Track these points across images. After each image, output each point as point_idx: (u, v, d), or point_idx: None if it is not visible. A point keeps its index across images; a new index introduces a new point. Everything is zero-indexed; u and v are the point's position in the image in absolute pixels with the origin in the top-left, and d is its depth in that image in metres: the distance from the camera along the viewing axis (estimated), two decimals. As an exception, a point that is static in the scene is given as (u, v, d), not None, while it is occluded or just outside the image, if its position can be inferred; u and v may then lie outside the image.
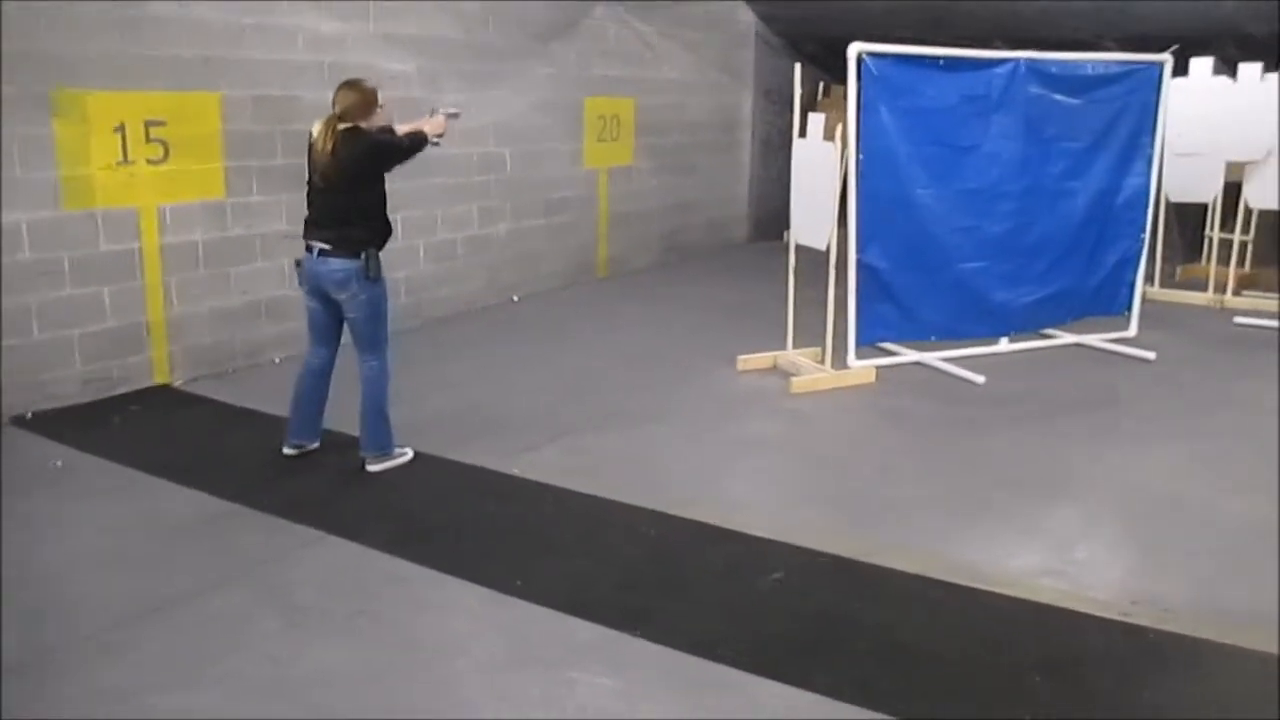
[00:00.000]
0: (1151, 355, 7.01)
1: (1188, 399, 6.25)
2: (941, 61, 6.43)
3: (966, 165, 6.55)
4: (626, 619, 3.58)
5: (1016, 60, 6.61)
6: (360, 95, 4.60)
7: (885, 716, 3.06)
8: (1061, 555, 4.18)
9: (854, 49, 6.13)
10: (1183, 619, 3.64)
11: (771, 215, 11.38)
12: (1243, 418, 5.89)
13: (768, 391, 6.26)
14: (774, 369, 6.62)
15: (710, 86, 10.88)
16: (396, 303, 7.28)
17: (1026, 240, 6.83)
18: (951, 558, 4.11)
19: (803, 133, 6.42)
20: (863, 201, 6.28)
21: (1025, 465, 5.16)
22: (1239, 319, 8.21)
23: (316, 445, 5.04)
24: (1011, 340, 7.09)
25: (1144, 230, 7.35)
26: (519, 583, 3.82)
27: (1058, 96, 6.75)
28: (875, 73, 6.19)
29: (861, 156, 6.21)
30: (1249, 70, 8.30)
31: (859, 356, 6.51)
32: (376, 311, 4.73)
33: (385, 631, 3.52)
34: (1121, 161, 7.09)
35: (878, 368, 6.56)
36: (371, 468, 4.83)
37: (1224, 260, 8.88)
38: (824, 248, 6.29)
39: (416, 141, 4.76)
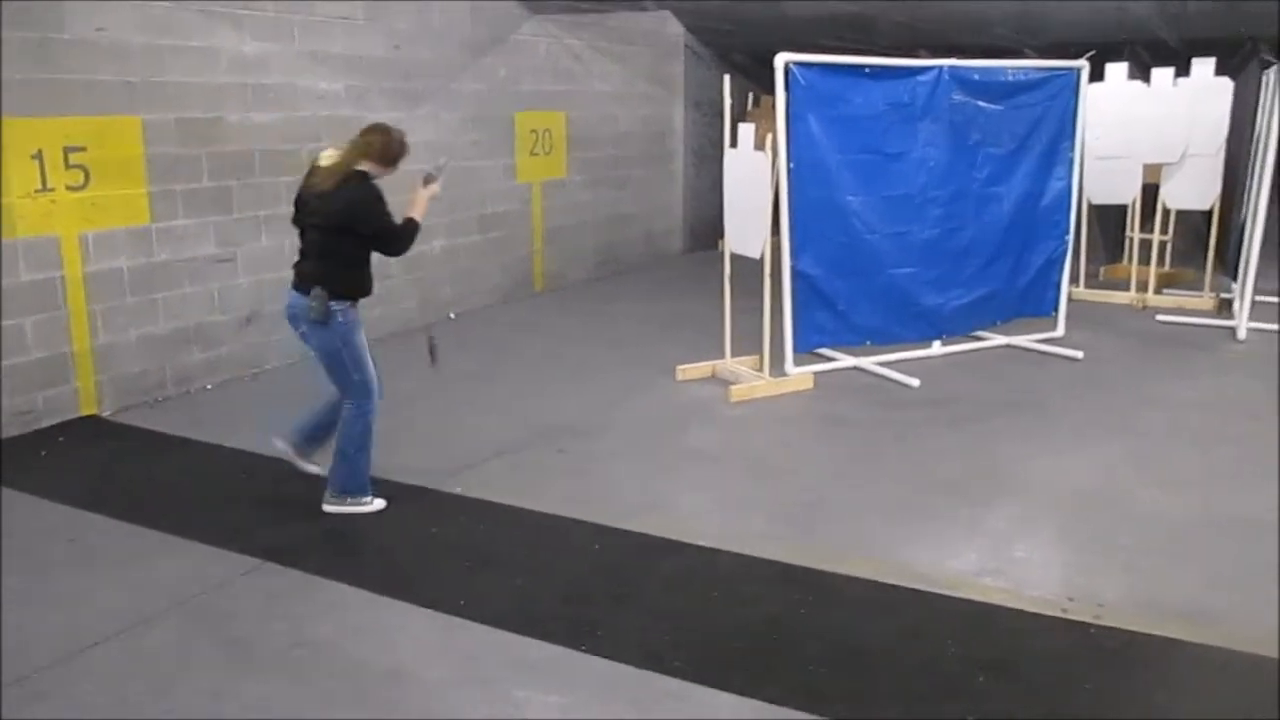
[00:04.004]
0: (1079, 354, 7.17)
1: (1116, 397, 6.40)
2: (867, 70, 6.54)
3: (894, 172, 6.66)
4: (573, 634, 3.56)
5: (940, 68, 6.75)
6: (387, 142, 4.37)
7: (829, 721, 3.09)
8: (1000, 555, 4.25)
9: (781, 59, 6.20)
10: (1119, 613, 3.72)
11: (706, 225, 11.45)
12: (1170, 415, 6.04)
13: (708, 401, 6.28)
14: (713, 378, 6.65)
15: (641, 98, 10.92)
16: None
17: (955, 244, 6.96)
18: (894, 561, 4.16)
19: (734, 143, 6.48)
20: (795, 209, 6.34)
21: (962, 467, 5.23)
22: (1161, 317, 8.44)
23: (314, 467, 4.79)
24: (944, 343, 7.21)
25: (1067, 232, 7.54)
26: (462, 602, 3.78)
27: (980, 103, 6.90)
28: (803, 82, 6.27)
29: (792, 165, 6.28)
30: (1162, 75, 8.55)
31: (797, 363, 6.57)
32: (332, 358, 4.45)
33: (326, 660, 3.46)
34: (1044, 165, 7.27)
35: (815, 374, 6.62)
36: (326, 507, 4.58)
37: (1145, 260, 9.12)
38: (758, 256, 6.34)
39: (408, 234, 4.48)
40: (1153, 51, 8.86)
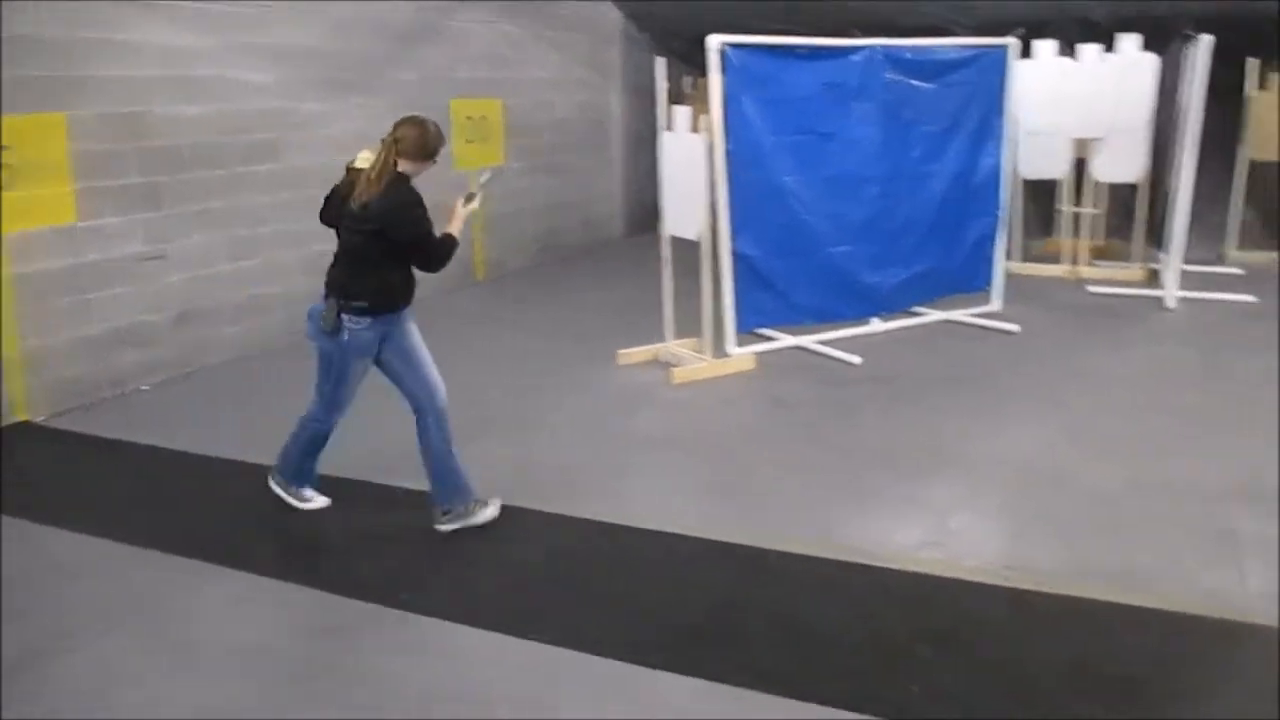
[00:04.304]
0: (1015, 328, 7.30)
1: (1052, 369, 6.53)
2: (801, 51, 6.59)
3: (830, 152, 6.72)
4: (518, 623, 3.56)
5: (872, 47, 6.81)
6: (420, 135, 4.09)
7: (777, 698, 3.12)
8: (941, 527, 4.32)
9: (714, 41, 6.22)
10: (1056, 580, 3.80)
11: (646, 209, 11.42)
12: (1103, 385, 6.18)
13: (650, 385, 6.30)
14: (655, 362, 6.67)
15: (578, 84, 10.88)
16: (268, 319, 7.20)
17: (891, 222, 7.05)
18: (838, 537, 4.22)
19: (669, 126, 6.48)
20: (733, 191, 6.37)
21: (903, 442, 5.31)
22: (1093, 288, 8.61)
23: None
24: (883, 320, 7.30)
25: (1001, 208, 7.66)
26: (406, 597, 3.77)
27: (913, 81, 6.99)
28: (737, 64, 6.29)
29: (729, 147, 6.31)
30: (1089, 51, 8.69)
31: (738, 344, 6.61)
32: (328, 369, 4.28)
33: (283, 663, 3.43)
34: (976, 142, 7.38)
35: (757, 354, 6.67)
36: (273, 485, 4.55)
37: (1077, 233, 9.30)
38: (697, 238, 6.37)
39: (447, 249, 4.24)
40: (1081, 28, 8.98)
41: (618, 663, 3.33)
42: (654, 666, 3.30)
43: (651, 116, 6.56)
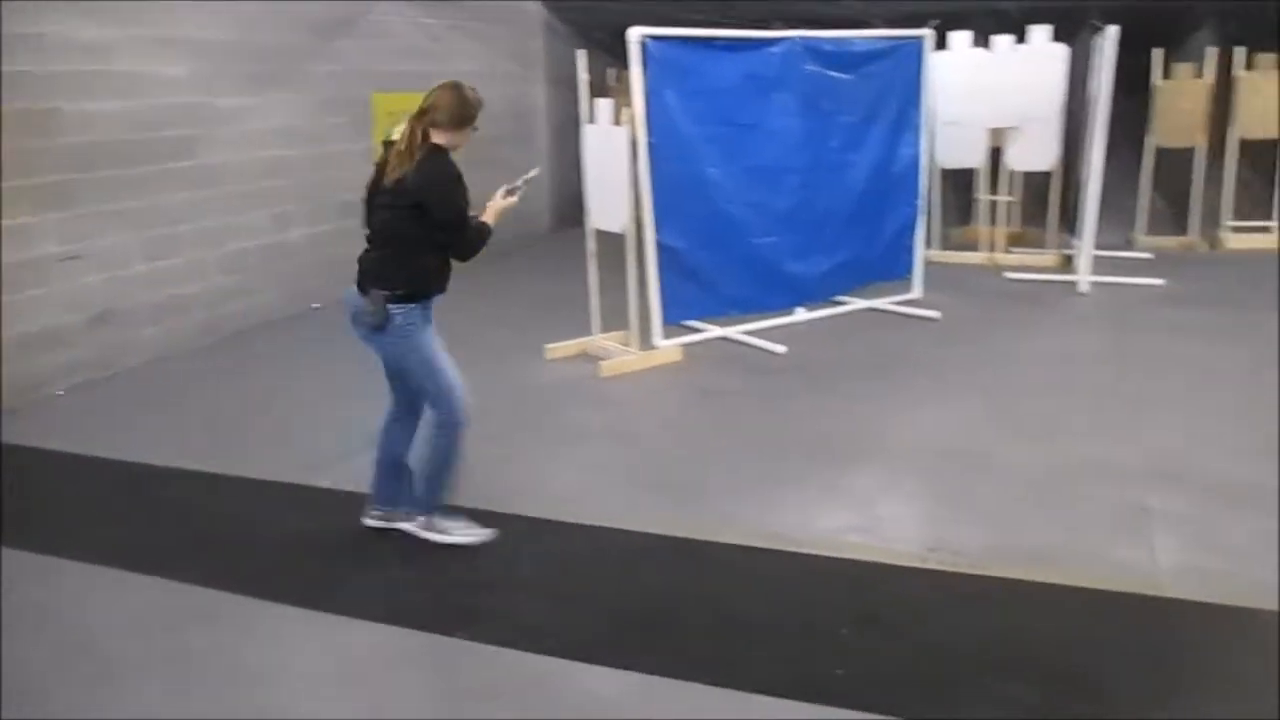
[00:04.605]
0: (937, 314, 7.46)
1: (972, 354, 6.69)
2: (721, 43, 6.64)
3: (752, 143, 6.79)
4: (451, 622, 3.56)
5: (791, 39, 6.89)
6: (457, 100, 3.80)
7: (710, 687, 3.17)
8: (866, 512, 4.41)
9: (634, 33, 6.24)
10: (976, 560, 3.91)
11: (572, 202, 11.36)
12: (1021, 368, 6.35)
13: (578, 379, 6.32)
14: (583, 356, 6.69)
15: (503, 77, 10.82)
16: (188, 320, 7.06)
17: (813, 212, 7.15)
18: (768, 525, 4.28)
19: (591, 119, 6.49)
20: (656, 183, 6.41)
21: (828, 429, 5.40)
22: (1010, 275, 8.83)
23: (406, 523, 4.19)
24: (808, 309, 7.40)
25: (919, 197, 7.81)
26: (338, 598, 3.75)
27: (831, 73, 7.09)
28: (658, 56, 6.32)
29: (652, 139, 6.34)
30: (1002, 42, 8.90)
31: (665, 336, 6.66)
32: (399, 365, 4.00)
33: (202, 668, 3.38)
34: (894, 132, 7.51)
35: (684, 346, 6.72)
36: (405, 525, 4.17)
37: (994, 221, 9.52)
38: (622, 231, 6.39)
39: (479, 236, 3.94)
40: (994, 20, 9.19)
41: (551, 659, 3.34)
42: (587, 661, 3.32)
43: (576, 109, 6.56)
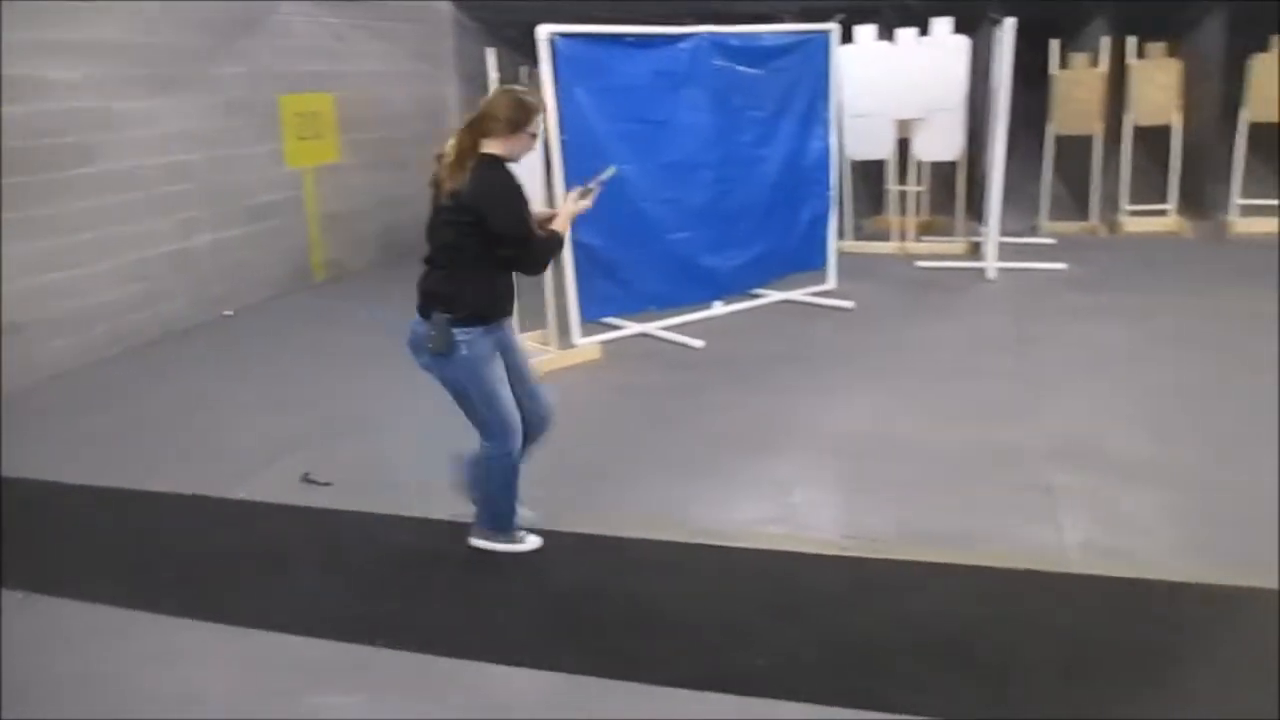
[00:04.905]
0: (851, 304, 7.58)
1: (885, 342, 6.81)
2: (630, 40, 6.65)
3: (664, 139, 6.81)
4: (368, 631, 3.52)
5: (700, 35, 6.93)
6: (511, 105, 3.55)
7: (632, 684, 3.18)
8: (783, 502, 4.46)
9: (544, 30, 6.22)
10: (891, 546, 3.99)
11: (488, 202, 11.35)
12: (933, 354, 6.48)
13: (498, 380, 6.28)
14: (501, 356, 6.65)
15: (412, 77, 10.70)
16: (94, 331, 6.86)
17: (726, 207, 7.20)
18: (688, 519, 4.30)
19: (503, 119, 6.45)
20: (570, 181, 6.37)
21: (746, 421, 5.45)
22: (920, 263, 9.01)
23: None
24: (725, 303, 7.46)
25: (830, 189, 7.91)
26: (253, 612, 3.67)
27: (740, 68, 7.14)
28: (568, 54, 6.31)
29: (564, 137, 6.32)
30: (905, 35, 9.06)
31: (583, 334, 6.65)
32: (459, 394, 3.74)
33: (115, 690, 3.29)
34: (803, 126, 7.60)
35: (603, 343, 6.73)
36: (474, 541, 4.04)
37: (903, 211, 9.70)
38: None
39: (547, 247, 3.75)
40: (898, 13, 9.35)
41: (472, 663, 3.33)
42: (510, 663, 3.31)
43: (488, 108, 6.51)
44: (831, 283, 7.99)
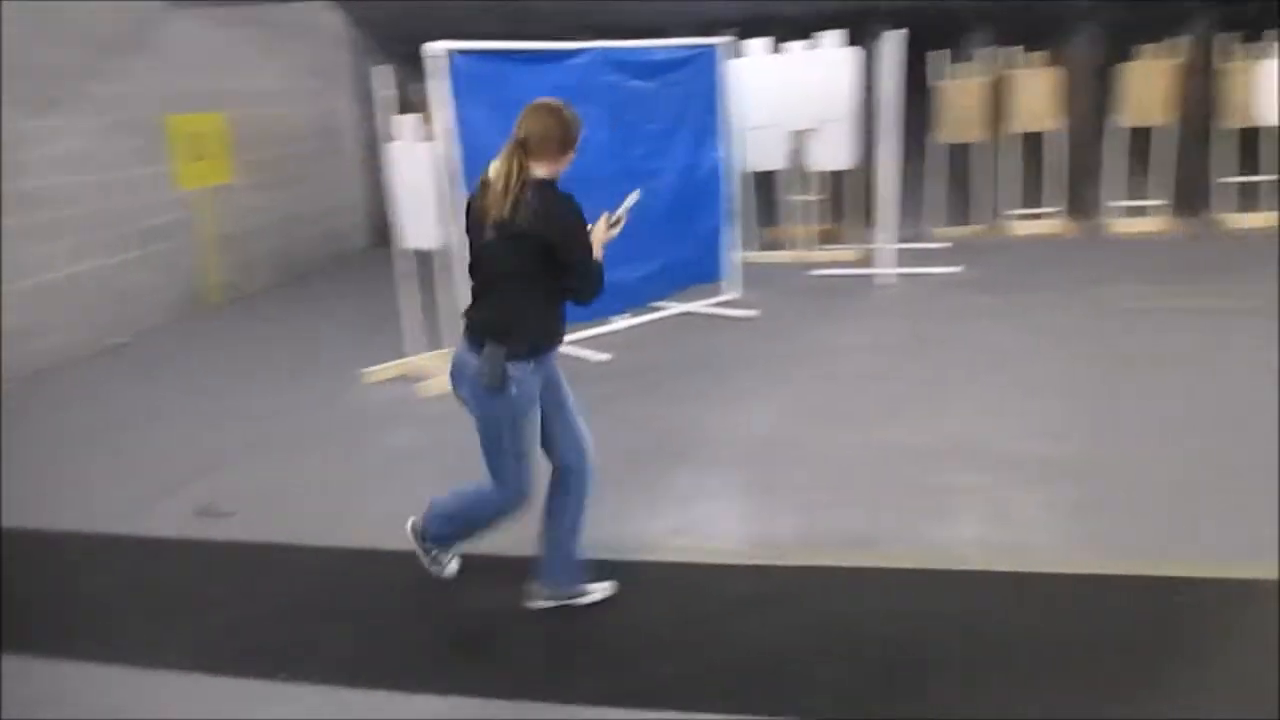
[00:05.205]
0: (754, 313, 7.69)
1: (786, 349, 6.92)
2: (524, 55, 6.65)
3: (561, 155, 6.81)
4: (274, 665, 3.45)
5: (593, 50, 6.97)
6: (559, 125, 3.39)
7: (540, 703, 3.19)
8: (688, 513, 4.50)
9: (435, 47, 6.19)
10: (795, 552, 4.06)
11: (389, 220, 11.23)
12: (831, 359, 6.60)
13: (398, 401, 6.22)
14: (402, 377, 6.58)
15: (307, 94, 10.55)
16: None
17: (625, 221, 7.21)
18: (592, 535, 4.28)
19: (395, 135, 6.41)
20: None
21: (652, 433, 5.48)
22: (818, 271, 9.18)
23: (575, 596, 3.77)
24: (628, 316, 7.50)
25: (728, 200, 8.02)
26: (156, 652, 3.57)
27: (634, 82, 7.20)
28: (462, 70, 6.28)
29: (461, 154, 6.29)
30: (796, 48, 9.24)
31: (487, 352, 6.61)
32: (491, 433, 3.51)
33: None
34: (699, 138, 7.70)
35: (507, 360, 6.69)
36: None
37: (801, 220, 9.88)
38: (435, 248, 6.33)
39: (601, 274, 3.55)
40: (788, 25, 9.51)
41: (379, 692, 3.29)
42: (420, 690, 3.29)
43: (386, 124, 6.46)
44: (734, 293, 8.10)
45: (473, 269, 3.50)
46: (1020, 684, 3.18)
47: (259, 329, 8.26)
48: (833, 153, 9.34)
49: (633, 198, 3.91)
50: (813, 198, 9.89)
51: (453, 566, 3.96)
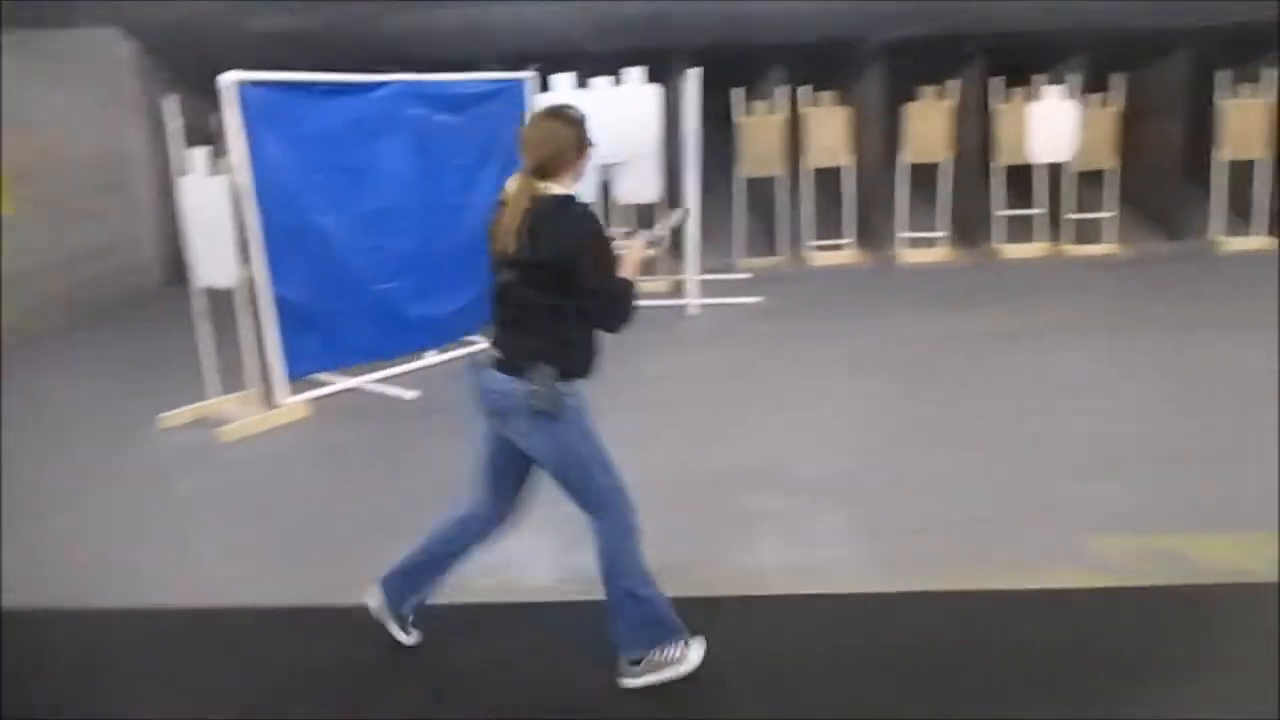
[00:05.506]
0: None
1: (599, 382, 6.86)
2: (323, 87, 6.52)
3: (364, 188, 6.70)
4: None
5: (396, 82, 6.90)
6: (569, 129, 3.15)
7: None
8: (497, 551, 4.43)
9: (228, 78, 5.99)
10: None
11: (184, 257, 10.75)
12: (641, 389, 6.68)
13: (197, 446, 5.94)
14: (202, 421, 6.29)
15: (96, 125, 9.99)
16: None
17: (433, 255, 7.15)
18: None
19: (189, 168, 6.15)
20: (266, 234, 6.16)
21: (459, 472, 5.38)
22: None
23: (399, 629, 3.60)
24: (438, 351, 7.40)
25: (537, 233, 8.04)
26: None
27: (439, 116, 7.16)
28: (257, 102, 6.09)
29: (256, 188, 6.09)
30: (600, 84, 9.39)
31: (290, 392, 6.40)
32: (566, 460, 3.29)
33: None
34: (505, 171, 7.37)
35: (311, 401, 6.51)
36: (628, 682, 3.35)
37: (612, 250, 10.00)
38: (232, 286, 6.09)
39: (631, 296, 3.27)
40: (592, 62, 9.67)
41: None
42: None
43: (181, 157, 6.19)
44: (544, 325, 8.10)
45: (497, 300, 3.28)
46: (827, 704, 3.30)
47: (45, 376, 7.72)
48: (639, 186, 9.52)
49: (678, 215, 3.63)
50: (622, 230, 10.05)
51: (697, 650, 3.44)
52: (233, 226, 6.00)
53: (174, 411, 6.30)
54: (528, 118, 3.29)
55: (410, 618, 3.63)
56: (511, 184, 3.20)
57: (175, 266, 10.94)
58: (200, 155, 6.11)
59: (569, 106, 3.23)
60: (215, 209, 6.01)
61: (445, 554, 3.59)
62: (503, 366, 3.22)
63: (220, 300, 6.27)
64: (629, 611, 3.31)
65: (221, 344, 6.35)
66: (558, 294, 3.12)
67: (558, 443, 3.25)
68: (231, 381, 6.36)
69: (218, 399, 6.37)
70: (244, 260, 6.07)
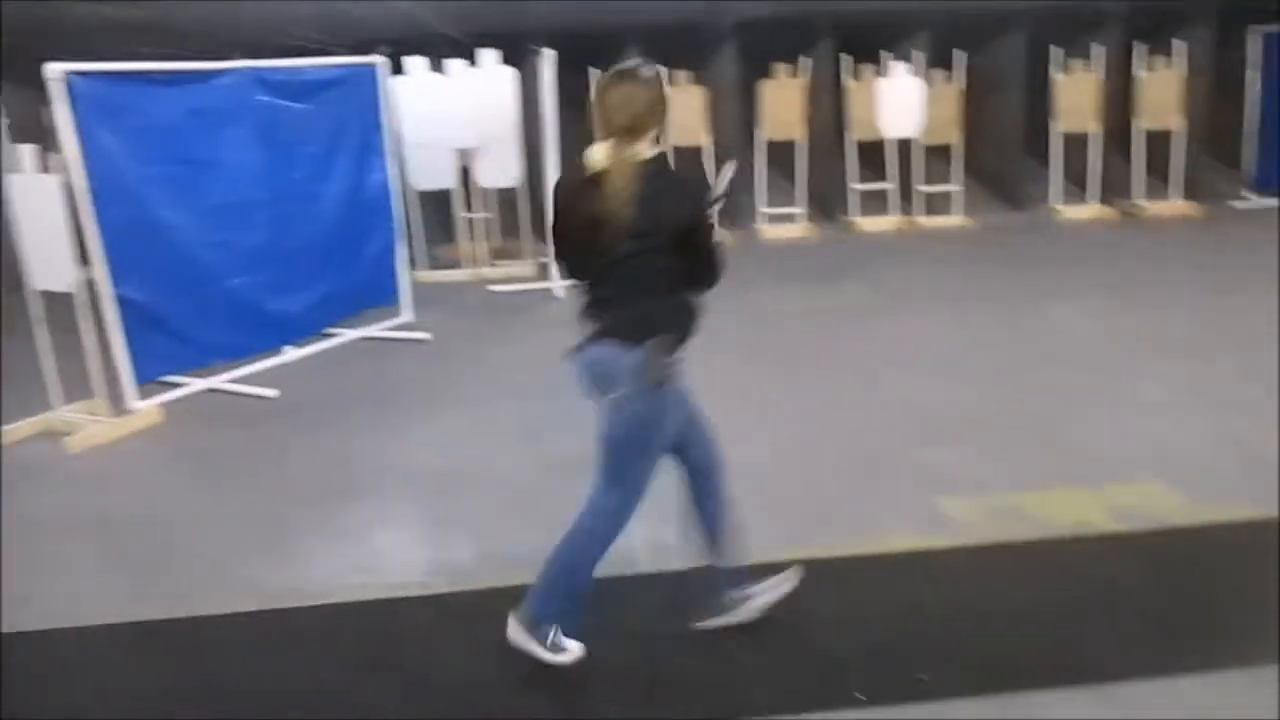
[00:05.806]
0: (427, 335, 7.62)
1: (462, 370, 6.91)
2: (160, 76, 6.24)
3: (209, 180, 6.45)
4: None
5: (239, 70, 6.66)
6: (648, 93, 3.05)
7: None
8: (363, 549, 4.40)
9: (54, 69, 5.67)
10: (472, 577, 4.07)
11: (13, 261, 10.15)
12: (506, 377, 6.68)
13: (42, 460, 5.63)
14: (46, 434, 5.97)
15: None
16: None
17: (286, 247, 6.96)
18: (266, 584, 4.11)
19: (15, 167, 5.82)
20: (104, 232, 5.86)
21: (325, 470, 5.30)
22: (494, 287, 9.26)
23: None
24: (297, 346, 7.20)
25: (394, 220, 7.91)
26: None
27: (286, 103, 6.94)
28: (87, 94, 5.77)
29: (91, 185, 5.79)
30: (455, 66, 9.28)
31: (141, 397, 6.14)
32: (633, 437, 3.22)
33: None
34: (360, 158, 7.53)
35: (164, 404, 6.25)
36: (511, 635, 3.35)
37: (474, 238, 9.91)
38: (70, 289, 5.80)
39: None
40: (446, 44, 9.52)
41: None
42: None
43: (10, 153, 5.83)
44: (407, 315, 7.98)
45: (609, 275, 3.18)
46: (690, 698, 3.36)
47: None
48: (499, 170, 9.46)
49: (728, 168, 3.43)
50: (483, 215, 9.95)
51: (574, 645, 3.36)
52: (66, 227, 5.69)
53: (14, 425, 5.96)
54: (596, 83, 3.19)
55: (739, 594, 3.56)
56: (598, 154, 3.08)
57: (9, 271, 10.37)
58: (26, 152, 5.77)
59: (639, 65, 3.15)
60: (48, 209, 5.69)
61: (711, 513, 3.52)
62: (609, 339, 3.21)
63: (60, 304, 5.96)
64: (560, 585, 3.33)
65: (64, 350, 6.03)
66: (673, 257, 3.10)
67: (636, 416, 3.21)
68: (78, 390, 6.06)
69: (63, 409, 6.06)
70: (83, 261, 5.79)
